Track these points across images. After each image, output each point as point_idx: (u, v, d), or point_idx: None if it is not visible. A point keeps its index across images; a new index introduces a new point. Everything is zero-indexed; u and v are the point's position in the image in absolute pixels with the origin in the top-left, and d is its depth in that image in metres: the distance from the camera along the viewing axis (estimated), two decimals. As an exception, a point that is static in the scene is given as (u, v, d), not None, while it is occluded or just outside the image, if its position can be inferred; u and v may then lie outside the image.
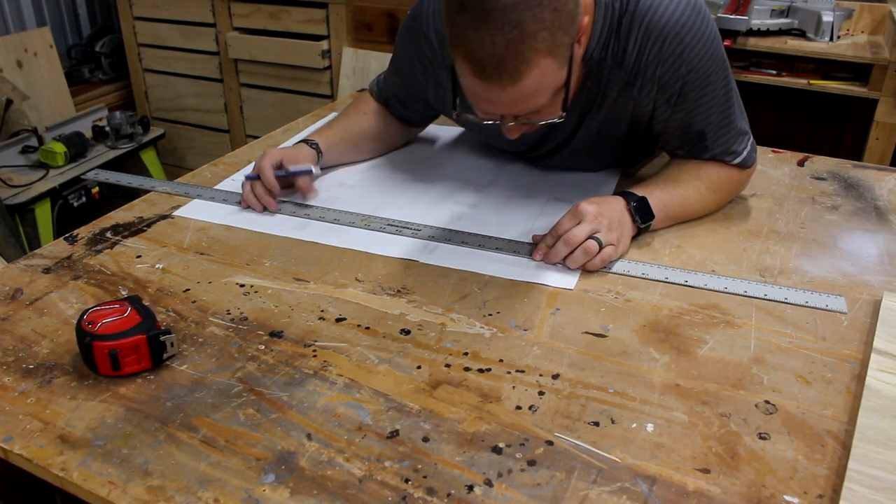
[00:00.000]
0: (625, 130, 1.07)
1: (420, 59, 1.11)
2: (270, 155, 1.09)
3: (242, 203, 1.09)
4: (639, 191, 0.98)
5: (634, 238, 0.98)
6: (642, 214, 0.96)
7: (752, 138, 1.06)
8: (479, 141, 1.33)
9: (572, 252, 0.91)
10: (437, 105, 1.19)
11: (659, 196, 0.99)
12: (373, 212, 1.07)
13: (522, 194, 1.14)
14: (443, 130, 1.39)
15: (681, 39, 0.92)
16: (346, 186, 1.16)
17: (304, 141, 1.16)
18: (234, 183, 1.17)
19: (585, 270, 0.92)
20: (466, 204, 1.10)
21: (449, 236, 1.00)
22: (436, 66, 1.10)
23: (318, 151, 1.16)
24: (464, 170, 1.23)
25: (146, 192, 1.14)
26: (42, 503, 0.82)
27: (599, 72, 0.99)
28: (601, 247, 0.90)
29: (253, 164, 1.13)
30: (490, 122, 0.90)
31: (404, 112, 1.24)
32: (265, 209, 1.07)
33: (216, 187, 1.15)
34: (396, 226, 1.03)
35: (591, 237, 0.90)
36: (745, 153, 1.04)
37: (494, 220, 1.05)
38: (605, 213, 0.92)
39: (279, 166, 1.08)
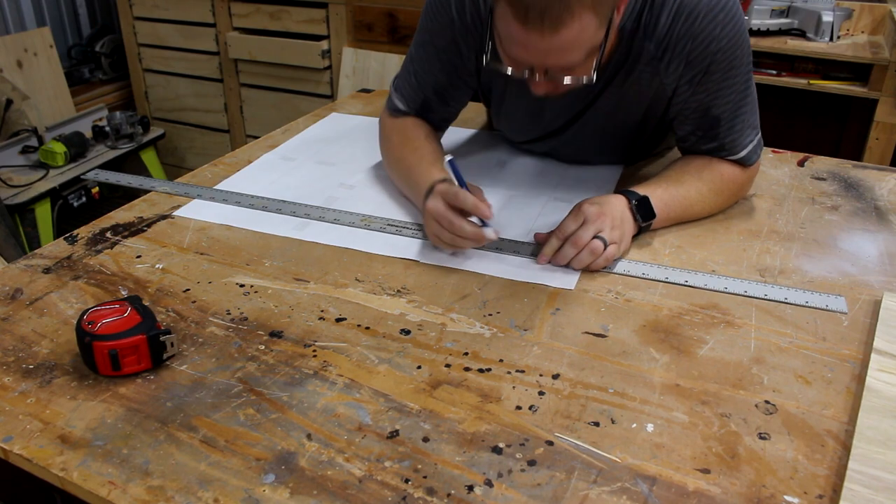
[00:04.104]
0: (643, 109, 1.07)
1: (461, 17, 1.03)
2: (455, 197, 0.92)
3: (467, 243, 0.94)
4: (640, 190, 0.98)
5: (635, 237, 0.98)
6: (644, 213, 0.96)
7: (760, 135, 1.06)
8: (484, 137, 1.33)
9: (578, 253, 0.91)
10: (474, 79, 1.13)
11: (660, 196, 0.99)
12: (373, 212, 1.07)
13: (523, 194, 1.13)
14: (443, 130, 1.39)
15: (713, 17, 0.93)
16: (346, 186, 1.16)
17: (430, 184, 0.99)
18: (234, 182, 1.17)
19: (588, 270, 0.92)
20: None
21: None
22: (476, 23, 1.03)
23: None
24: (464, 170, 1.22)
25: (146, 192, 1.14)
26: (42, 503, 0.82)
27: (630, 42, 0.99)
28: (606, 246, 0.90)
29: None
30: (518, 76, 0.89)
31: (442, 109, 1.16)
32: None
33: (216, 187, 1.15)
34: (396, 226, 1.03)
35: (595, 237, 0.90)
36: (750, 146, 1.04)
37: (495, 221, 1.05)
38: (606, 212, 0.92)
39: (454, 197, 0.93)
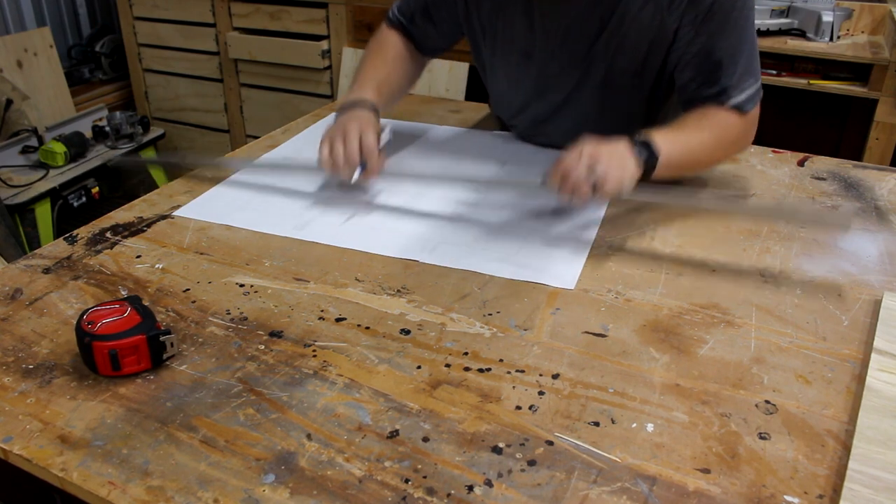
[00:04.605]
0: (641, 56, 1.09)
1: None
2: (368, 134, 1.06)
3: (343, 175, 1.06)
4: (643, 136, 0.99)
5: (642, 181, 0.96)
6: (647, 153, 0.96)
7: (759, 84, 1.07)
8: (484, 137, 1.33)
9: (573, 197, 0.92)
10: (462, 8, 1.20)
11: (662, 141, 0.99)
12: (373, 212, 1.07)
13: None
14: (443, 130, 1.40)
15: None
16: (347, 186, 1.16)
17: (360, 101, 1.14)
18: (233, 182, 1.17)
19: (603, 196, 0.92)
20: (466, 203, 1.10)
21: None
22: None
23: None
24: (463, 169, 1.23)
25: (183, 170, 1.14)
26: (42, 503, 0.82)
27: None
28: (595, 188, 0.90)
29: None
30: None
31: (425, 26, 1.26)
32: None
33: (215, 188, 1.15)
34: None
35: (589, 172, 0.90)
36: (749, 91, 1.05)
37: (495, 219, 1.05)
38: (603, 150, 0.92)
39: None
